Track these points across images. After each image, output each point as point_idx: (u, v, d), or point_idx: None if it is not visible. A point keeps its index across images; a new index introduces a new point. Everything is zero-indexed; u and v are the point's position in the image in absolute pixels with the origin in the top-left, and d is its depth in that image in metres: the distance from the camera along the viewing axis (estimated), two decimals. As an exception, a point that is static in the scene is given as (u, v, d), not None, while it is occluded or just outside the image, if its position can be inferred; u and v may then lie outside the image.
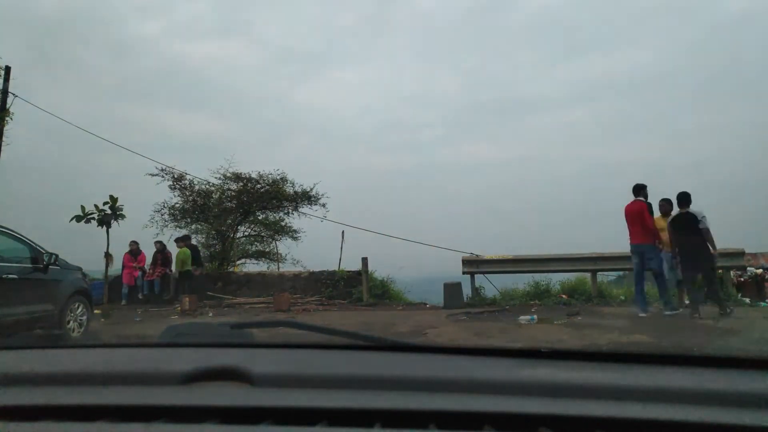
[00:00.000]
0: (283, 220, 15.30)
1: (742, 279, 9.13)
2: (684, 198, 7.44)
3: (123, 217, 10.98)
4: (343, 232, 12.84)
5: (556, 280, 10.86)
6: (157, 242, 12.73)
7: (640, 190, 8.06)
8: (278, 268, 15.35)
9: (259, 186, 13.44)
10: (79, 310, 6.97)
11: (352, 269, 11.82)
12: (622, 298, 9.70)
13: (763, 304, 8.55)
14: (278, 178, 13.48)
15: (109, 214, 10.75)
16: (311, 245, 15.52)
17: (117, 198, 11.03)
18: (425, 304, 11.02)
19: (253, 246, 16.73)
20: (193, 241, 15.15)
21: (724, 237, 8.54)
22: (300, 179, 13.76)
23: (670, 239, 7.59)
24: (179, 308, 10.14)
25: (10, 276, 5.84)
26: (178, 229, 13.99)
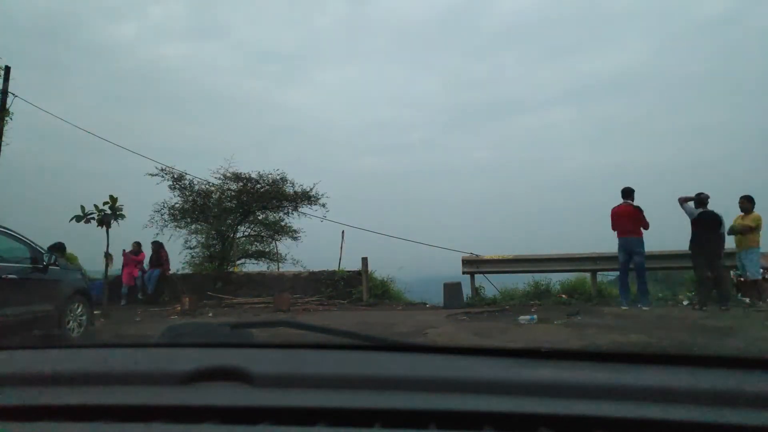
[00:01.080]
0: (283, 220, 15.28)
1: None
2: (705, 198, 8.50)
3: (123, 217, 10.96)
4: (343, 232, 12.83)
5: (556, 280, 10.87)
6: (153, 242, 12.76)
7: (630, 193, 8.76)
8: (278, 268, 15.32)
9: (259, 186, 13.43)
10: (79, 310, 6.96)
11: (352, 269, 11.80)
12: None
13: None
14: (278, 178, 13.48)
15: (109, 214, 10.72)
16: (311, 245, 15.49)
17: (117, 198, 11.02)
18: (425, 304, 11.01)
19: (253, 246, 16.70)
20: (193, 242, 15.13)
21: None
22: (297, 180, 13.74)
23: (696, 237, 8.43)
24: (179, 308, 10.13)
25: (10, 276, 5.84)
26: (178, 229, 13.99)
